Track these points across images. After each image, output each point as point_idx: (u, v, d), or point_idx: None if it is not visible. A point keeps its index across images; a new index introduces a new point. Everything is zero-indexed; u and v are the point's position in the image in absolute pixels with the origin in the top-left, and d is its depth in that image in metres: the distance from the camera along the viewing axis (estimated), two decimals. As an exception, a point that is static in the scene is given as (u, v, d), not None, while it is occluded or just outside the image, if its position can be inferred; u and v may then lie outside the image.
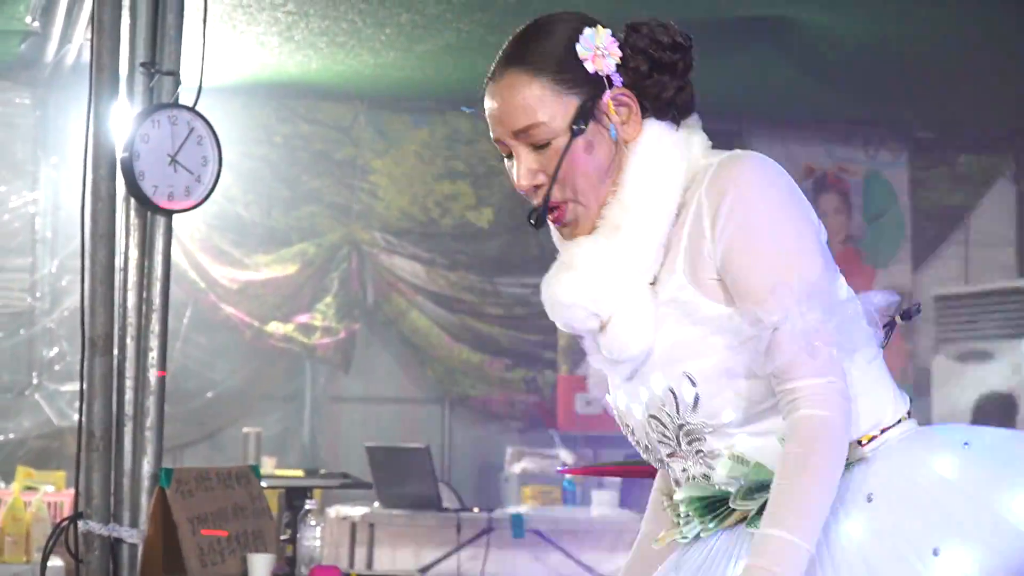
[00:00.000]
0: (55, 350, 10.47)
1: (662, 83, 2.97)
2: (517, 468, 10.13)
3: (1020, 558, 2.72)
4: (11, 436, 10.32)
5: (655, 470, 3.75)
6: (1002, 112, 11.27)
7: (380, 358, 11.26)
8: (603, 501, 9.31)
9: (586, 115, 2.91)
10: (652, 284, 2.93)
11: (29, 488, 8.79)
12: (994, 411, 10.21)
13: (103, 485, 5.62)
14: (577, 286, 2.97)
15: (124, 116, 5.62)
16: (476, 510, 9.05)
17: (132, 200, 5.59)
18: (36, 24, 9.20)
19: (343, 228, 11.07)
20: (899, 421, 2.96)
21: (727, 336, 2.84)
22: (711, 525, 2.97)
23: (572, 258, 2.98)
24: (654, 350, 2.91)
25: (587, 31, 2.92)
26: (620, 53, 2.93)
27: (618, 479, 8.98)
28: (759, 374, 2.83)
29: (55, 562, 7.05)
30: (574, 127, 2.91)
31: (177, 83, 5.68)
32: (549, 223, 3.02)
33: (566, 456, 10.14)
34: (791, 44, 9.28)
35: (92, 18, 5.87)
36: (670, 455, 2.97)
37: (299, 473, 8.82)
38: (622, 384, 2.99)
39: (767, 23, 8.95)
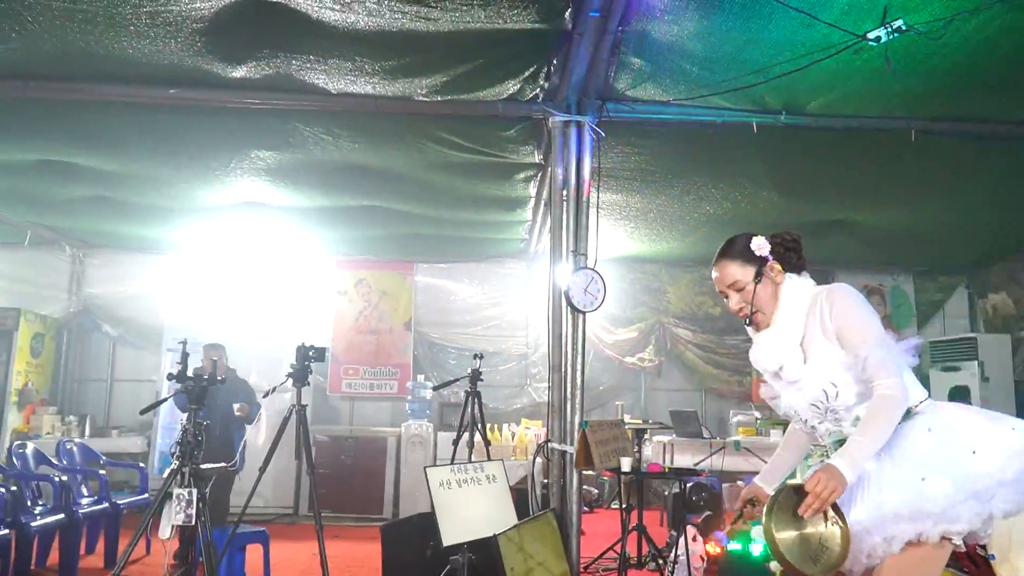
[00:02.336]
0: (537, 370, 10.47)
1: (790, 257, 2.96)
2: (735, 419, 9.81)
3: (1016, 462, 2.55)
4: (519, 406, 10.38)
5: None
6: (958, 255, 10.46)
7: (673, 372, 10.94)
8: (775, 433, 8.99)
9: (759, 276, 2.91)
10: (800, 345, 2.84)
11: (527, 428, 8.88)
12: (958, 394, 9.44)
13: (559, 427, 5.60)
14: (764, 354, 2.94)
15: (565, 272, 5.63)
16: (717, 437, 8.76)
17: (569, 307, 5.60)
18: (526, 235, 9.37)
19: (655, 317, 10.85)
20: (927, 399, 2.80)
21: (845, 364, 2.76)
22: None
23: (761, 341, 2.96)
24: (809, 374, 2.83)
25: (754, 239, 2.94)
26: (770, 246, 2.93)
27: (780, 425, 8.67)
28: (858, 382, 2.74)
29: (538, 460, 7.06)
30: (755, 281, 2.91)
31: (586, 258, 5.67)
32: (746, 325, 3.01)
33: (757, 414, 9.81)
34: (852, 230, 8.80)
35: (550, 232, 5.91)
36: (819, 422, 2.88)
37: (640, 422, 8.71)
38: (791, 391, 2.90)
39: (840, 222, 8.52)
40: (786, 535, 2.55)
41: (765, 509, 2.57)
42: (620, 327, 10.83)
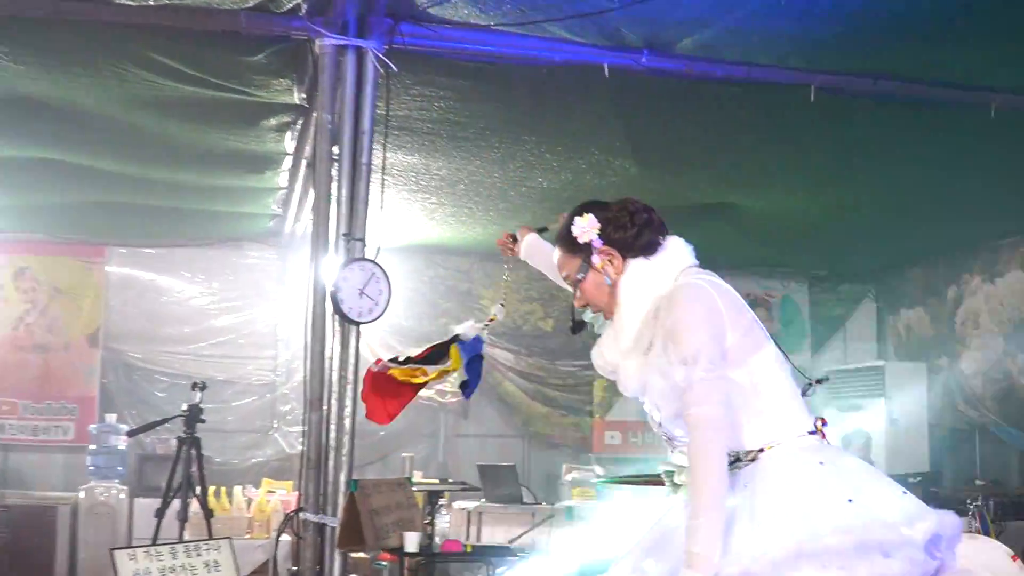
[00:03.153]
0: (288, 407, 10.42)
1: (623, 238, 3.14)
2: (569, 477, 10.04)
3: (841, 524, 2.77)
4: (260, 459, 10.34)
5: (653, 481, 3.76)
6: (866, 257, 11.22)
7: (486, 410, 11.15)
8: (621, 497, 9.23)
9: (584, 268, 3.16)
10: (647, 353, 3.04)
11: (270, 491, 8.79)
12: (858, 440, 10.06)
13: (316, 490, 5.60)
14: (599, 355, 3.20)
15: (332, 265, 5.64)
16: (543, 504, 8.95)
17: (338, 316, 5.61)
18: (279, 210, 9.38)
19: (463, 332, 11.02)
20: (802, 435, 3.03)
21: (669, 387, 2.95)
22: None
23: (600, 341, 3.21)
24: (646, 388, 3.05)
25: (577, 219, 3.16)
26: (599, 226, 3.11)
27: (630, 486, 8.94)
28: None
29: (285, 538, 7.01)
30: (579, 276, 3.17)
31: (364, 245, 5.71)
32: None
33: (598, 470, 10.09)
34: (733, 219, 9.24)
35: (313, 206, 5.91)
36: (664, 439, 3.15)
37: (435, 481, 8.75)
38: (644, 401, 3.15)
39: (719, 207, 8.92)
40: None
41: None
42: (412, 346, 10.68)
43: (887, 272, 11.78)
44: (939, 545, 2.85)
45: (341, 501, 5.53)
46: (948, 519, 2.92)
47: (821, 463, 2.93)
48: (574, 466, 10.38)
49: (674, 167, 7.94)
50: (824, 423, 3.10)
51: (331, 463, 5.60)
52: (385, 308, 5.73)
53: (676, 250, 3.16)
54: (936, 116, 6.79)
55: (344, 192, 5.69)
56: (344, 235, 5.67)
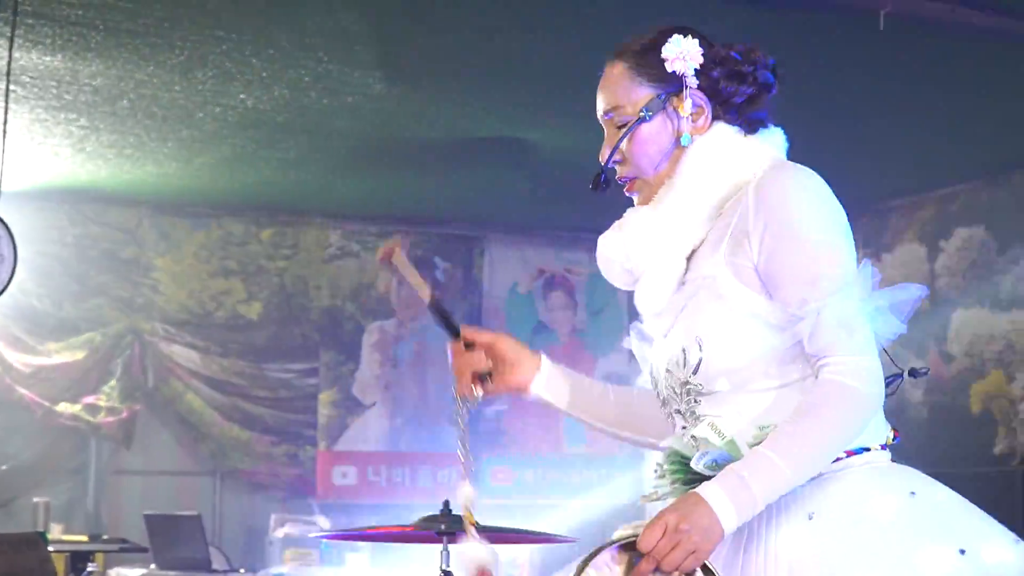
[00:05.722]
0: None
1: (731, 90, 3.06)
2: (280, 533, 10.25)
3: None
4: None
5: (405, 535, 3.54)
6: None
7: (159, 435, 11.11)
8: (356, 561, 9.34)
9: (656, 107, 3.03)
10: (689, 258, 2.99)
11: None
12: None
13: None
14: (618, 245, 3.07)
15: None
16: (242, 571, 9.07)
17: (-72, 294, 5.42)
18: None
19: (127, 319, 10.98)
20: (868, 449, 2.93)
21: (751, 319, 2.88)
22: (680, 487, 2.95)
23: (624, 222, 3.08)
24: (683, 312, 2.98)
25: (676, 36, 3.03)
26: (701, 60, 3.02)
27: (370, 542, 9.03)
28: (775, 360, 2.88)
29: None
30: (643, 113, 3.02)
31: None
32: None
33: (323, 522, 10.23)
34: (524, 161, 9.40)
35: None
36: (678, 411, 3.00)
37: (83, 538, 8.75)
38: (660, 341, 3.07)
39: (503, 142, 9.01)
40: None
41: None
42: (51, 340, 10.84)
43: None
44: None
45: (-65, 570, 5.35)
46: None
47: (912, 493, 2.85)
48: (288, 516, 10.44)
49: (443, 87, 8.11)
50: (897, 436, 3.04)
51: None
52: (8, 281, 5.70)
53: (776, 139, 3.12)
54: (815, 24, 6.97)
55: (-57, 106, 5.50)
56: (-59, 171, 5.47)
